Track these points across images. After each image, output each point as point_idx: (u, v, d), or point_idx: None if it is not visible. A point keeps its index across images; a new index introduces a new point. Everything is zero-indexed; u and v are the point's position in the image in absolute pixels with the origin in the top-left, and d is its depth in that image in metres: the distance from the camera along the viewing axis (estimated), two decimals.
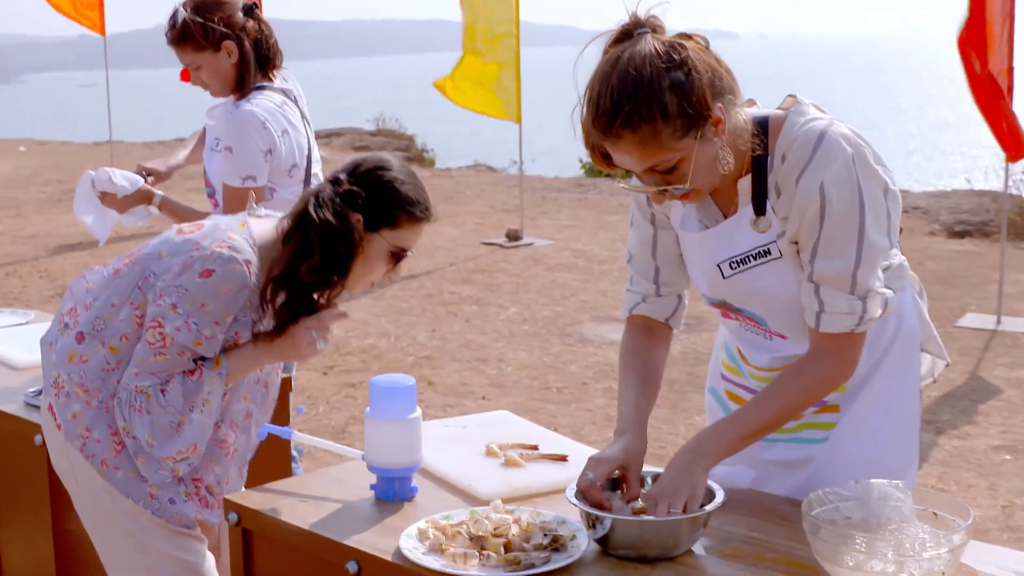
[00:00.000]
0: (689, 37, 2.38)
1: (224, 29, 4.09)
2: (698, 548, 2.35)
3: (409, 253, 2.90)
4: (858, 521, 2.27)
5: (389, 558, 2.34)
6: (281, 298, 2.83)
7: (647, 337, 2.76)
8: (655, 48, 2.32)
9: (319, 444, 2.95)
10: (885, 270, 2.50)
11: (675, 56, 2.32)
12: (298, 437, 2.93)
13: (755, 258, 2.51)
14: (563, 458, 2.85)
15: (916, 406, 2.69)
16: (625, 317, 2.81)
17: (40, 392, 3.43)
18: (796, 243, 2.46)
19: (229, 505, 2.70)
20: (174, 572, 2.93)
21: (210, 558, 2.99)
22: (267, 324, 2.89)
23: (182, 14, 4.06)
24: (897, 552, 2.13)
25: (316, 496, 2.68)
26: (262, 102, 4.09)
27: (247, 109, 4.05)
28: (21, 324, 4.43)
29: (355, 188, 2.81)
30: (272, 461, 3.48)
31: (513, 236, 12.14)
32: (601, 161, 2.45)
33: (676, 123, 2.31)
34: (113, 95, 15.99)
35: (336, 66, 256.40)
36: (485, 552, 2.29)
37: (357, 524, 2.52)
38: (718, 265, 2.56)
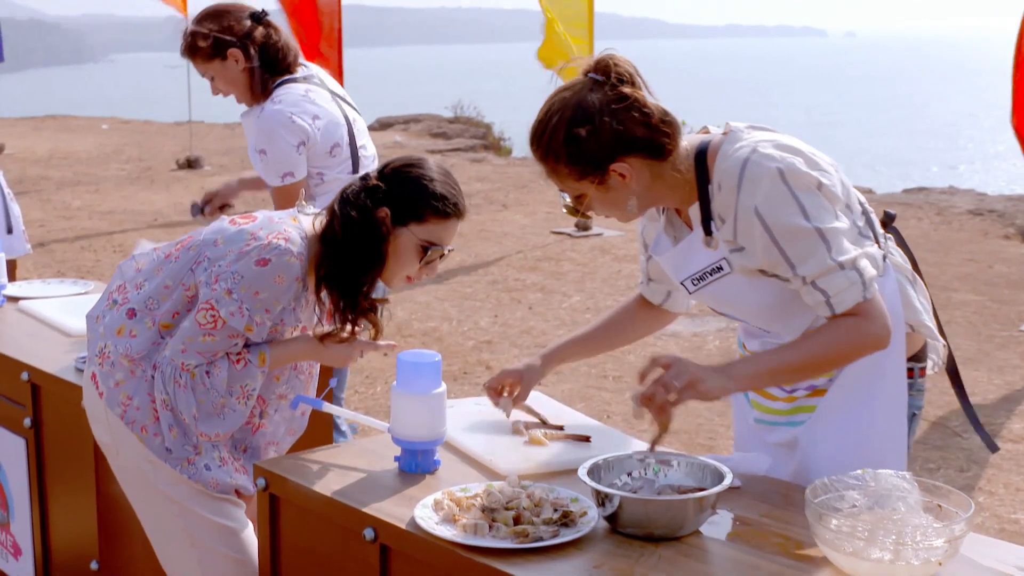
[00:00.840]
0: (634, 88, 2.59)
1: (228, 37, 4.19)
2: (705, 529, 2.41)
3: (446, 250, 2.97)
4: (863, 510, 2.32)
5: (404, 526, 2.42)
6: (334, 297, 2.94)
7: (636, 306, 3.13)
8: (575, 100, 2.58)
9: (348, 415, 3.04)
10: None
11: (585, 113, 2.57)
12: (328, 407, 3.01)
13: (711, 274, 2.72)
14: (586, 439, 2.91)
15: (901, 389, 2.74)
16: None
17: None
18: (763, 271, 2.63)
19: (258, 471, 2.79)
20: (215, 537, 3.03)
21: (249, 524, 3.09)
22: (310, 317, 3.04)
23: (188, 27, 4.19)
24: (896, 541, 2.17)
25: (342, 465, 2.76)
26: (286, 96, 4.20)
27: (272, 109, 4.18)
28: (80, 294, 4.56)
29: (380, 184, 2.91)
30: (315, 433, 3.56)
31: (583, 226, 12.17)
32: None
33: (569, 168, 2.61)
34: (195, 76, 16.22)
35: (419, 53, 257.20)
36: (495, 524, 2.36)
37: (378, 493, 2.60)
38: (683, 283, 2.78)
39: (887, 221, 2.84)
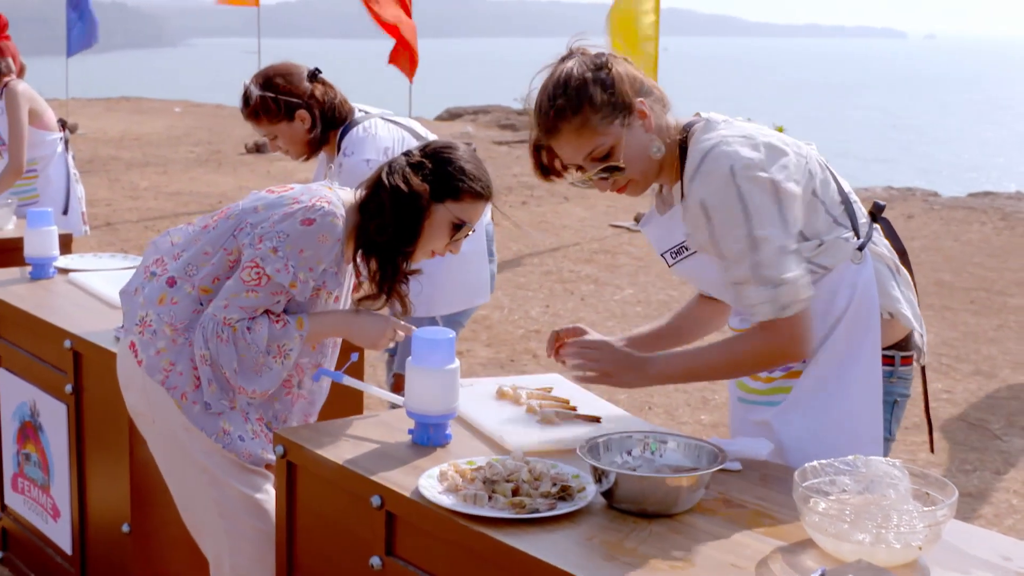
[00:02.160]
0: (614, 56, 2.80)
1: (295, 100, 4.28)
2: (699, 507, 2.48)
3: (472, 230, 3.13)
4: (853, 495, 2.37)
5: (408, 495, 2.51)
6: (373, 265, 3.08)
7: (697, 301, 3.20)
8: (581, 61, 2.77)
9: (365, 388, 3.14)
10: (817, 248, 2.74)
11: (598, 62, 2.76)
12: (348, 380, 3.11)
13: (683, 251, 2.84)
14: (597, 419, 2.99)
15: (876, 375, 2.80)
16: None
17: None
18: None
19: (278, 439, 2.90)
20: (244, 508, 3.13)
21: (274, 495, 3.18)
22: (346, 286, 3.17)
23: (254, 92, 4.25)
24: (878, 524, 2.22)
25: (358, 436, 2.86)
26: (353, 145, 4.31)
27: (350, 162, 4.26)
28: (129, 268, 4.69)
29: (424, 160, 3.06)
30: (344, 403, 3.66)
31: (641, 220, 12.22)
32: (540, 173, 2.87)
33: (603, 110, 2.72)
34: (268, 61, 16.43)
35: (492, 45, 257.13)
36: (495, 495, 2.45)
37: (388, 463, 2.69)
38: (663, 255, 2.91)
39: (876, 212, 2.91)
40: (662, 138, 2.79)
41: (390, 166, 3.09)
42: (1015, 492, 5.69)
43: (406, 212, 3.04)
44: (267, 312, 3.01)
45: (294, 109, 4.28)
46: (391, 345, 3.20)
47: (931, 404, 6.43)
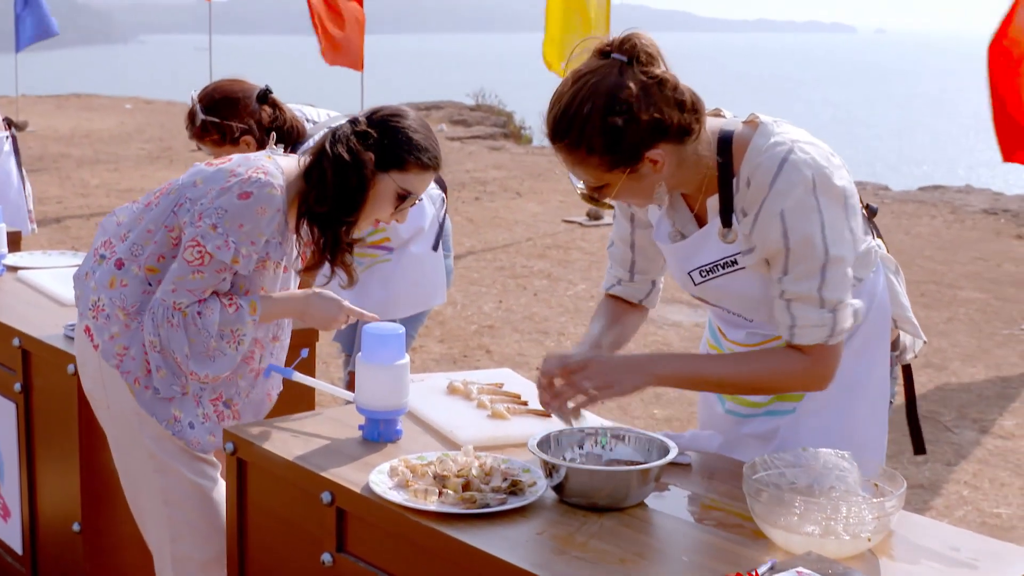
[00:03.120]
0: (665, 70, 2.47)
1: (241, 125, 4.13)
2: (651, 502, 2.48)
3: (418, 199, 3.10)
4: (802, 487, 2.38)
5: (359, 491, 2.50)
6: (316, 234, 3.05)
7: (620, 304, 2.97)
8: (607, 87, 2.43)
9: (316, 385, 3.13)
10: (858, 259, 2.62)
11: (620, 99, 2.42)
12: (298, 377, 3.10)
13: (723, 267, 2.64)
14: (548, 414, 2.98)
15: (886, 383, 2.78)
16: (604, 293, 3.01)
17: None
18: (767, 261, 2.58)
19: (227, 435, 2.88)
20: (189, 495, 3.12)
21: (221, 483, 3.18)
22: (293, 254, 3.14)
23: (199, 115, 4.11)
24: (827, 516, 2.24)
25: (308, 433, 2.85)
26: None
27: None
28: (78, 265, 4.65)
29: (370, 130, 3.02)
30: (297, 398, 3.64)
31: (594, 215, 12.24)
32: None
33: (602, 159, 2.47)
34: (219, 58, 16.36)
35: (442, 40, 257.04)
36: (445, 490, 2.44)
37: (338, 460, 2.68)
38: (689, 273, 2.71)
39: (870, 215, 2.81)
40: (696, 161, 2.55)
41: (334, 134, 3.03)
42: (965, 483, 5.74)
43: (348, 182, 2.99)
44: (218, 296, 2.98)
45: (240, 135, 4.15)
46: (343, 326, 3.19)
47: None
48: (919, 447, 3.01)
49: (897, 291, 2.79)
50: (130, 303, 3.03)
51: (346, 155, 2.98)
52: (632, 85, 2.42)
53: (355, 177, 2.99)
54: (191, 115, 4.17)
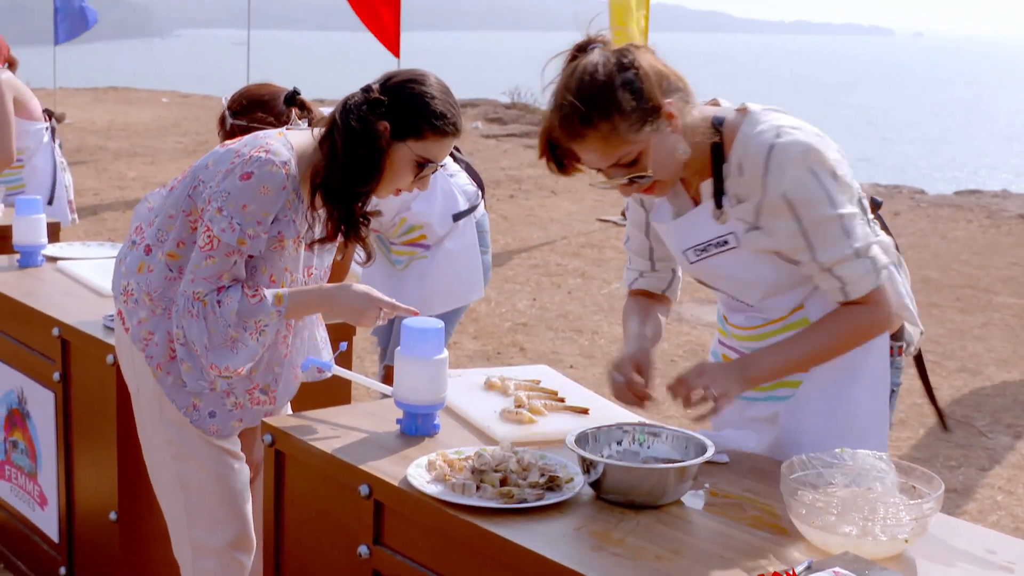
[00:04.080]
0: (638, 47, 2.64)
1: (267, 128, 4.04)
2: (687, 500, 2.49)
3: (440, 166, 3.06)
4: (840, 488, 2.39)
5: (396, 484, 2.52)
6: (329, 208, 3.00)
7: (646, 298, 3.07)
8: (606, 56, 2.60)
9: (355, 378, 3.14)
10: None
11: (624, 60, 2.58)
12: (336, 370, 3.11)
13: (716, 247, 2.75)
14: (585, 411, 3.00)
15: (884, 371, 2.80)
16: (627, 291, 3.10)
17: None
18: (777, 252, 2.69)
19: (265, 427, 2.90)
20: (206, 481, 3.14)
21: (243, 473, 3.20)
22: (315, 231, 3.08)
23: (228, 119, 4.08)
24: (865, 517, 2.24)
25: (346, 426, 2.86)
26: None
27: None
28: (115, 257, 4.68)
29: (383, 97, 2.95)
30: (333, 391, 3.66)
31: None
32: (557, 169, 2.71)
33: (631, 117, 2.56)
34: (257, 53, 16.40)
35: (479, 38, 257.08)
36: (483, 485, 2.45)
37: (376, 453, 2.69)
38: (684, 252, 2.81)
39: (874, 208, 2.87)
40: (689, 135, 2.64)
41: (345, 103, 2.97)
42: (1000, 488, 5.72)
43: (360, 154, 2.93)
44: (242, 285, 2.96)
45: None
46: (379, 323, 3.09)
47: (916, 402, 6.45)
48: (944, 424, 3.24)
49: (897, 280, 2.81)
50: (154, 288, 3.04)
51: (356, 124, 2.92)
52: (619, 53, 2.60)
53: (365, 147, 2.92)
54: (221, 120, 4.19)
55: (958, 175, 26.52)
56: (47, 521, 4.04)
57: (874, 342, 2.77)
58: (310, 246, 3.09)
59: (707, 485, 2.57)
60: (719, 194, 2.71)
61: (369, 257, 3.16)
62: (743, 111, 2.70)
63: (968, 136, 40.45)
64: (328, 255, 3.25)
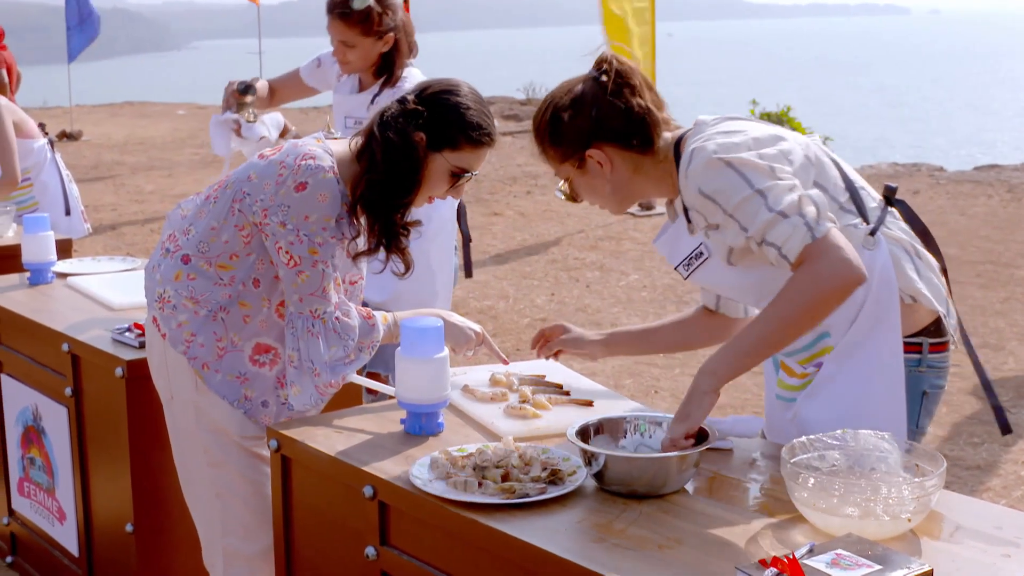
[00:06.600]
0: (625, 83, 2.79)
1: (392, 23, 4.60)
2: (689, 487, 2.48)
3: (473, 175, 3.06)
4: (843, 469, 2.38)
5: (399, 484, 2.52)
6: (369, 220, 3.02)
7: (700, 313, 3.21)
8: (569, 88, 2.82)
9: (359, 381, 3.14)
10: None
11: (572, 99, 2.80)
12: (352, 377, 3.11)
13: (695, 259, 2.86)
14: (589, 403, 2.99)
15: (898, 360, 2.73)
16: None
17: (126, 330, 3.69)
18: (732, 248, 2.73)
19: (271, 433, 2.91)
20: (240, 490, 3.13)
21: None
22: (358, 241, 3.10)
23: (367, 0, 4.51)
24: (867, 497, 2.22)
25: (350, 428, 2.87)
26: (415, 80, 4.48)
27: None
28: (127, 271, 4.72)
29: (419, 108, 2.97)
30: (341, 400, 3.67)
31: (646, 205, 12.21)
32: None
33: (554, 150, 2.84)
34: (269, 61, 16.47)
35: (492, 36, 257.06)
36: (485, 481, 2.45)
37: (379, 454, 2.70)
38: (676, 268, 2.91)
39: (889, 195, 2.82)
40: (662, 159, 2.80)
41: (383, 115, 2.99)
42: (1023, 464, 5.69)
43: (400, 165, 2.95)
44: (356, 308, 3.00)
45: (388, 31, 4.59)
46: (468, 354, 3.27)
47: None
48: (1004, 426, 3.01)
49: (905, 267, 2.75)
50: (199, 293, 3.01)
51: (395, 137, 2.94)
52: (588, 91, 2.79)
53: (405, 160, 2.95)
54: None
55: (978, 151, 26.40)
56: (66, 535, 4.06)
57: (884, 332, 2.70)
58: (354, 257, 3.10)
59: (710, 472, 2.56)
60: (686, 210, 2.80)
61: (408, 268, 3.15)
62: (694, 125, 2.80)
63: (987, 111, 40.24)
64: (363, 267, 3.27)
